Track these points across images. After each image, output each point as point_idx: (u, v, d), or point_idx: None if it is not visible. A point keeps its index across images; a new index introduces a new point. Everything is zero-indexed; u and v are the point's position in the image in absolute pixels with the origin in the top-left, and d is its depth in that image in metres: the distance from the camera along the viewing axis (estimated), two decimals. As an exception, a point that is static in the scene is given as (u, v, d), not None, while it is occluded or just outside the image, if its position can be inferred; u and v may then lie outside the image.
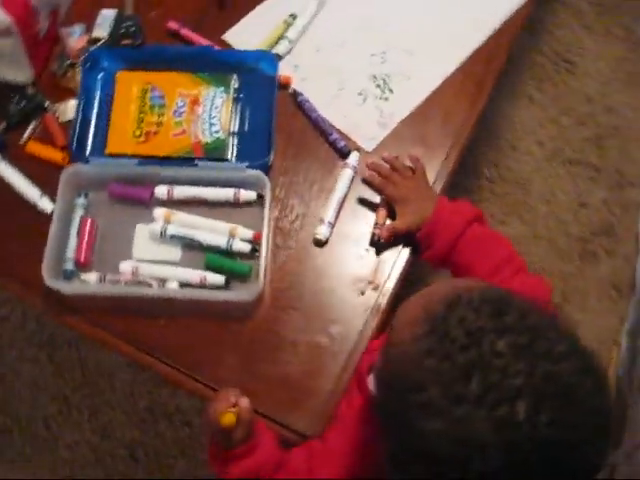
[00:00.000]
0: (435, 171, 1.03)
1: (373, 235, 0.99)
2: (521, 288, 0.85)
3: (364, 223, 1.00)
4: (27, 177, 1.02)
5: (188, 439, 1.53)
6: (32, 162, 1.04)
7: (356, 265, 0.98)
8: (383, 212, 1.00)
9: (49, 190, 1.00)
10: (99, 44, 1.08)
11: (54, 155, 1.03)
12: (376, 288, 0.97)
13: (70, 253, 0.97)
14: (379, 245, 0.99)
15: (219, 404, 0.80)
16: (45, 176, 1.02)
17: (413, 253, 0.99)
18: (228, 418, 0.78)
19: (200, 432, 1.52)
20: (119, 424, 1.55)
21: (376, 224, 0.99)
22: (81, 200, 1.00)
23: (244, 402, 0.81)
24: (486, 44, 1.12)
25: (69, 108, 1.06)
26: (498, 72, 1.11)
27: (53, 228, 0.95)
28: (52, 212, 0.98)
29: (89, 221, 0.99)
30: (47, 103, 1.06)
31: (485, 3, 1.14)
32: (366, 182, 1.01)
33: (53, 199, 0.99)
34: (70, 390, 1.58)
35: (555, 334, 0.59)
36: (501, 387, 0.54)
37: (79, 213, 1.00)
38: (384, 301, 0.96)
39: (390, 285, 0.97)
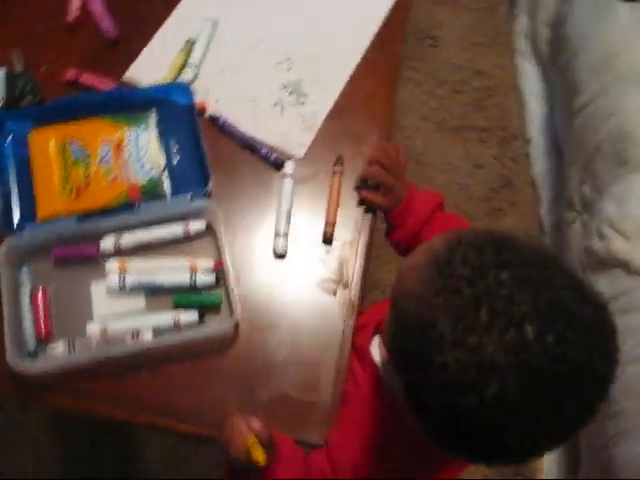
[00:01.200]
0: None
1: (325, 233, 1.00)
2: None
3: (316, 226, 1.02)
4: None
5: None
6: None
7: (321, 268, 1.00)
8: (333, 209, 1.01)
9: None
10: (-3, 108, 1.02)
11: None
12: (346, 285, 0.99)
13: (29, 330, 0.92)
14: (331, 241, 1.01)
15: (240, 440, 0.79)
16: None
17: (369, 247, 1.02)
18: (260, 454, 0.77)
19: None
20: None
21: (327, 223, 1.01)
22: (25, 272, 0.95)
23: (256, 424, 0.81)
24: (382, 29, 1.16)
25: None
26: (399, 53, 1.17)
27: (5, 310, 0.90)
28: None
29: (40, 291, 0.94)
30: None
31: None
32: (366, 176, 1.03)
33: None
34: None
35: (553, 267, 0.63)
36: (508, 313, 0.58)
37: (27, 286, 0.94)
38: (356, 296, 0.98)
39: (357, 278, 0.99)
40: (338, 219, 1.01)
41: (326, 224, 1.01)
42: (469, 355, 0.58)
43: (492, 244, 0.64)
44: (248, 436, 0.79)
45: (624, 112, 1.36)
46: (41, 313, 0.93)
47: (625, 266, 1.30)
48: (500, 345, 0.57)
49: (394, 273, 0.72)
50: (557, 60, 1.71)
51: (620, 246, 1.31)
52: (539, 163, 1.84)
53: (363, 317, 0.98)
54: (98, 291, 0.95)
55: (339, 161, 1.04)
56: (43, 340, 0.92)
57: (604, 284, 1.33)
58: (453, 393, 0.60)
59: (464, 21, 2.00)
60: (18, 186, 0.99)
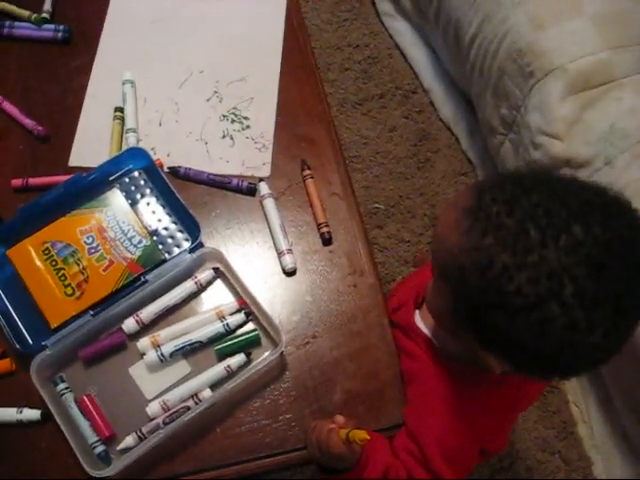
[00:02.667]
0: (332, 156, 1.10)
1: (323, 235, 1.03)
2: None
3: (310, 233, 1.04)
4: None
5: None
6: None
7: (332, 267, 1.03)
8: (320, 211, 1.04)
9: (13, 399, 0.93)
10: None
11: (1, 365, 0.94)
12: (362, 274, 1.02)
13: (92, 437, 0.90)
14: (330, 241, 1.04)
15: (333, 439, 0.81)
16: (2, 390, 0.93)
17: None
18: (360, 433, 0.77)
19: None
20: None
21: (320, 224, 1.04)
22: (62, 386, 0.93)
23: (339, 419, 0.83)
24: (286, 33, 1.20)
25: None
26: (309, 50, 1.21)
27: (62, 426, 0.88)
28: (42, 416, 0.90)
29: (86, 398, 0.92)
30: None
31: (261, 5, 1.22)
32: None
33: (28, 405, 0.92)
34: None
35: (562, 178, 0.71)
36: (553, 224, 0.64)
37: (70, 399, 0.92)
38: (375, 276, 1.02)
39: (368, 261, 1.03)
40: (325, 219, 1.04)
41: (320, 226, 1.04)
42: (537, 270, 0.63)
43: (508, 180, 0.70)
44: (339, 430, 0.81)
45: (514, 31, 1.45)
46: (97, 418, 0.91)
47: (568, 163, 1.40)
48: (560, 251, 0.63)
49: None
50: (428, 8, 1.80)
51: (558, 148, 1.40)
52: (444, 106, 1.93)
53: (396, 297, 1.01)
54: (138, 373, 0.95)
55: (305, 165, 1.07)
56: (109, 440, 0.91)
57: (557, 186, 1.43)
58: (534, 309, 0.64)
59: (326, 4, 2.06)
60: (17, 305, 0.96)
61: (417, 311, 0.96)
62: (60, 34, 1.17)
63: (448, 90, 1.92)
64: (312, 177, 1.07)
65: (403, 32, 2.01)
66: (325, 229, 1.03)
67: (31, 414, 0.92)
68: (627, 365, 1.36)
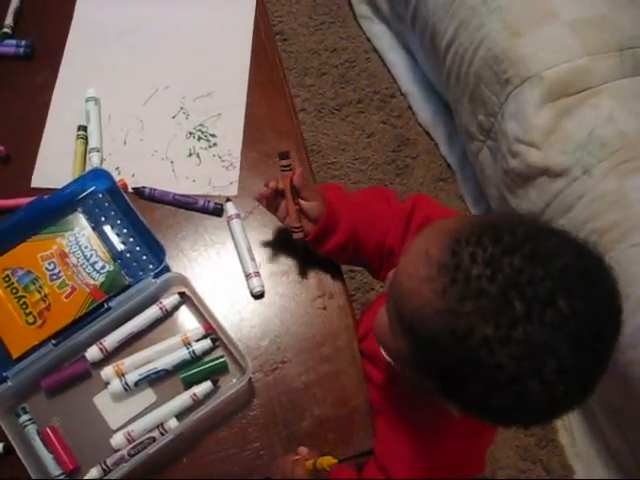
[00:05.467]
0: (305, 166, 1.08)
1: (297, 238, 0.94)
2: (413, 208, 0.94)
3: (279, 253, 1.02)
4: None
5: None
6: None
7: (301, 289, 1.01)
8: (293, 212, 0.94)
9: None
10: None
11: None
12: (331, 296, 1.00)
13: (55, 470, 0.88)
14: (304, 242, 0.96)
15: (298, 471, 0.79)
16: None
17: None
18: (325, 459, 0.76)
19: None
20: None
21: (295, 228, 0.94)
22: (24, 417, 0.91)
23: (302, 450, 0.82)
24: (254, 45, 1.18)
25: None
26: (278, 62, 1.18)
27: (24, 460, 0.86)
28: (4, 449, 0.88)
29: (49, 430, 0.90)
30: None
31: (228, 18, 1.20)
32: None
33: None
34: None
35: (544, 234, 0.65)
36: (538, 297, 0.59)
37: (33, 431, 0.90)
38: (345, 299, 1.00)
39: (340, 286, 1.01)
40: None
41: (293, 229, 0.95)
42: (521, 347, 0.59)
43: (486, 233, 0.63)
44: (305, 462, 0.79)
45: (490, 38, 1.43)
46: (60, 451, 0.89)
47: (546, 172, 1.39)
48: (545, 328, 0.59)
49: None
50: (404, 12, 1.77)
51: (535, 157, 1.39)
52: (423, 110, 1.91)
53: (362, 326, 0.99)
54: (103, 402, 0.92)
55: (285, 155, 0.95)
56: (72, 473, 0.89)
57: (535, 195, 1.42)
58: (513, 384, 0.61)
59: (302, 7, 2.03)
60: (-23, 337, 0.93)
61: None
62: (22, 49, 1.14)
63: (426, 94, 1.89)
64: (291, 169, 0.94)
65: (381, 35, 1.99)
66: (300, 235, 0.94)
67: (-10, 448, 0.90)
68: (606, 374, 1.35)
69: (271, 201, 0.95)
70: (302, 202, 0.94)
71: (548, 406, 0.63)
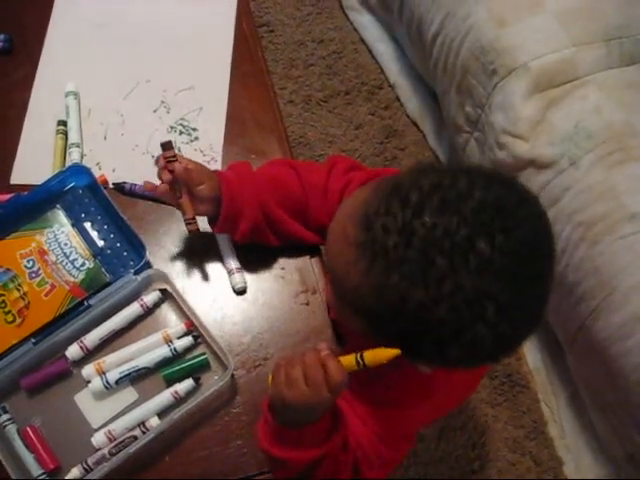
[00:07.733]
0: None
1: (190, 230, 0.92)
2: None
3: (262, 248, 1.01)
4: None
5: None
6: None
7: (284, 285, 1.00)
8: (188, 205, 0.90)
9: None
10: None
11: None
12: (314, 292, 1.00)
13: (36, 470, 0.87)
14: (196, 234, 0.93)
15: (327, 361, 0.71)
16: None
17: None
18: (383, 353, 0.68)
19: None
20: None
21: (187, 220, 0.91)
22: (4, 417, 0.90)
23: (322, 346, 0.74)
24: (237, 39, 1.16)
25: None
26: (260, 55, 1.17)
27: (4, 460, 0.85)
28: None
29: (29, 429, 0.89)
30: None
31: (210, 10, 1.18)
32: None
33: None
34: None
35: (450, 177, 0.63)
36: (458, 246, 0.59)
37: (13, 431, 0.89)
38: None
39: (323, 281, 1.00)
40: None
41: (186, 221, 0.91)
42: (455, 300, 0.60)
43: (393, 197, 0.63)
44: (344, 357, 0.72)
45: (477, 28, 1.42)
46: (41, 450, 0.88)
47: (533, 164, 1.38)
48: (472, 274, 0.59)
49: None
50: (392, 2, 1.76)
51: (522, 148, 1.38)
52: (411, 102, 1.90)
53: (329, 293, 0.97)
54: (84, 401, 0.91)
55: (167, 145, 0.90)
56: (54, 473, 0.88)
57: (522, 188, 1.41)
58: (462, 333, 0.62)
59: (288, -1, 2.02)
60: (-44, 335, 0.92)
61: None
62: (0, 44, 1.12)
63: (414, 85, 1.88)
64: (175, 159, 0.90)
65: (368, 26, 1.97)
66: (193, 226, 0.90)
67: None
68: (594, 363, 1.35)
69: (172, 195, 0.91)
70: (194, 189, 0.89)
71: (502, 342, 0.64)
